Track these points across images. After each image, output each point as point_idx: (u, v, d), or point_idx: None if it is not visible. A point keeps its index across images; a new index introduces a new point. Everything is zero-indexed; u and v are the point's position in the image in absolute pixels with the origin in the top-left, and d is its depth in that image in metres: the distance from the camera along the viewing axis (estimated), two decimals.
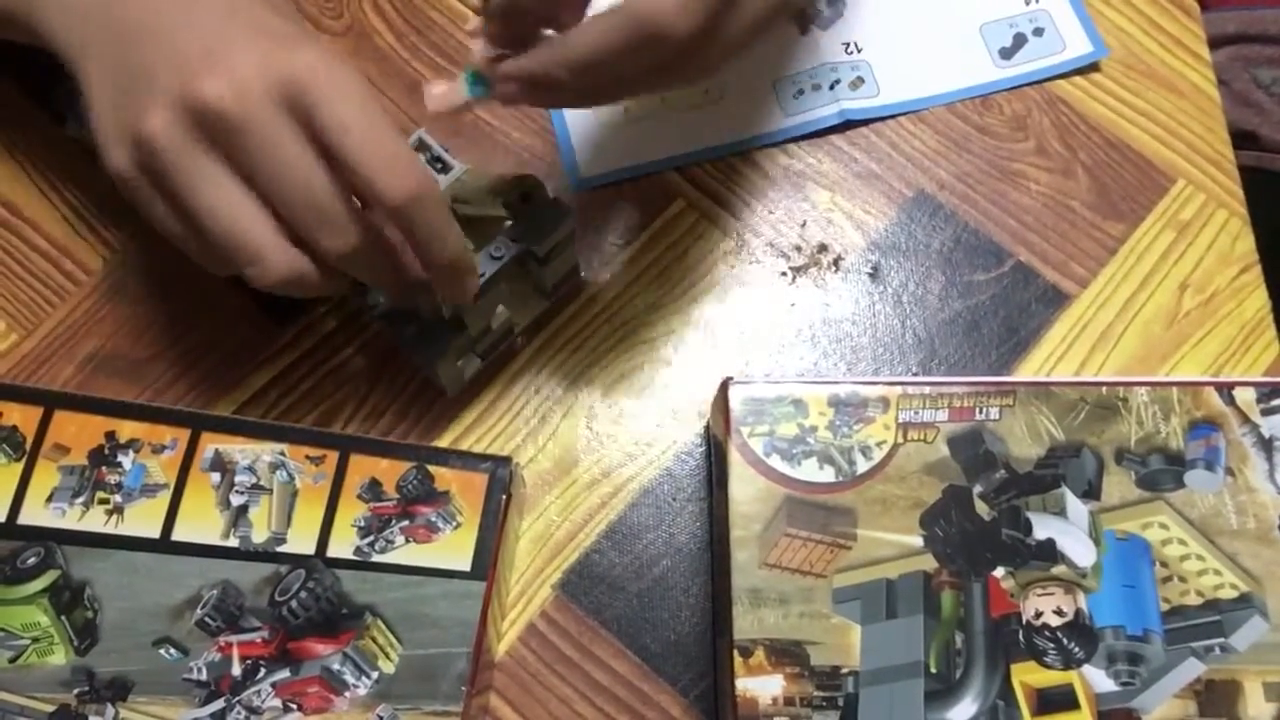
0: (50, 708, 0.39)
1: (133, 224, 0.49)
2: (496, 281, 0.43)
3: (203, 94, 0.34)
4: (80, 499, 0.41)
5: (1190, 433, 0.41)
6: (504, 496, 0.41)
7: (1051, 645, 0.39)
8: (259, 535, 0.41)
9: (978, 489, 0.41)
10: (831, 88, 0.53)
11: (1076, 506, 0.41)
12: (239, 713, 0.39)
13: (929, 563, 0.40)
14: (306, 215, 0.35)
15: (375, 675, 0.39)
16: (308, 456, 0.42)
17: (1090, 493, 0.41)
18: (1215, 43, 0.62)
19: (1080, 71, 0.54)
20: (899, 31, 0.54)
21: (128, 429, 0.42)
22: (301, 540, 0.41)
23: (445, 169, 0.44)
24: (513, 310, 0.47)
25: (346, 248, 0.36)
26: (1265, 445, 0.41)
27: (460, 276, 0.39)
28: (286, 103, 0.35)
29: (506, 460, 0.42)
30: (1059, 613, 0.39)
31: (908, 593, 0.40)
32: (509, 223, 0.43)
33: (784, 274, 0.51)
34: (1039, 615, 0.39)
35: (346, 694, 0.39)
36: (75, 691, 0.39)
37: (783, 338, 0.50)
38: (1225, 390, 0.42)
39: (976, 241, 0.51)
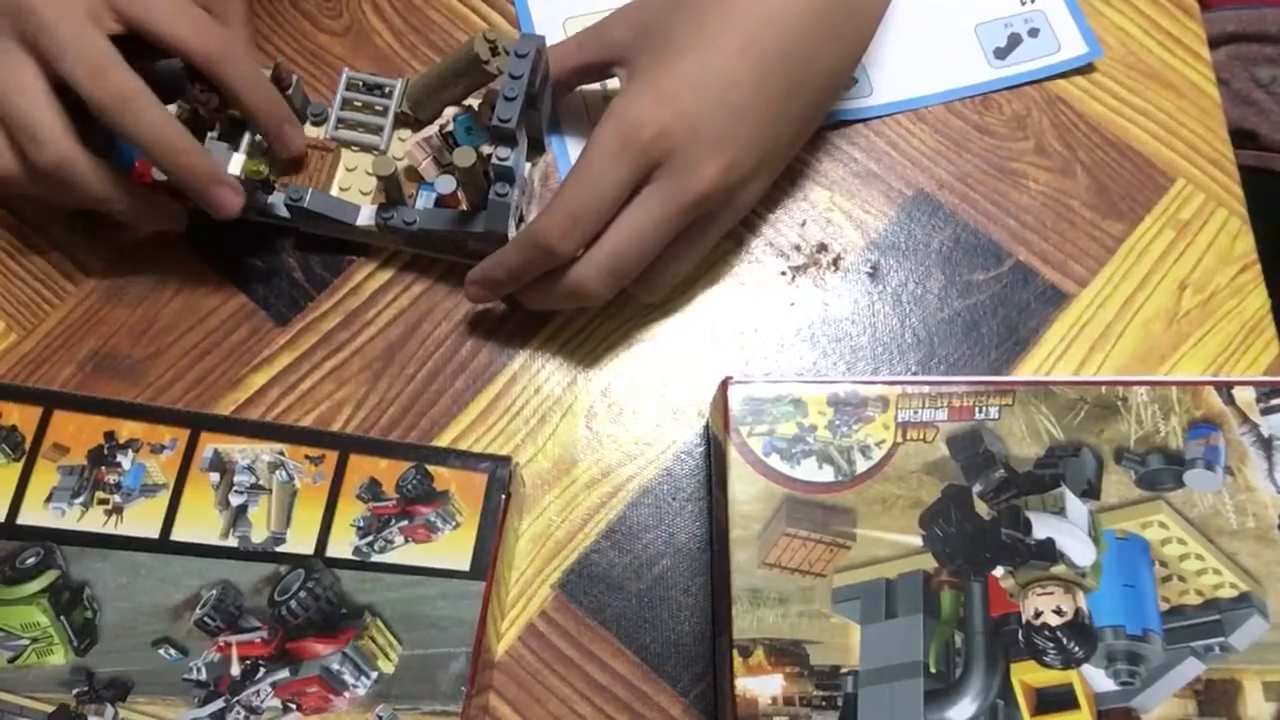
0: (49, 708, 0.39)
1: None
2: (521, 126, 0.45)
3: None
4: (79, 499, 0.41)
5: (1190, 432, 0.41)
6: (503, 496, 0.41)
7: (1051, 645, 0.39)
8: (258, 535, 0.41)
9: (977, 488, 0.41)
10: None
11: (1076, 506, 0.41)
12: (238, 713, 0.39)
13: (928, 562, 0.40)
14: (78, 68, 0.41)
15: (374, 675, 0.39)
16: (307, 456, 0.42)
17: (1090, 492, 0.41)
18: (1215, 42, 0.62)
19: (1077, 72, 0.54)
20: (893, 31, 0.54)
21: (127, 429, 0.42)
22: (301, 540, 0.41)
23: (385, 92, 0.50)
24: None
25: (107, 93, 0.41)
26: (1265, 444, 0.41)
27: (280, 124, 0.47)
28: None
29: (506, 460, 0.42)
30: (1058, 612, 0.39)
31: (907, 592, 0.40)
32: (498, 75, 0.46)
33: (783, 273, 0.51)
34: (1038, 615, 0.39)
35: (346, 694, 0.39)
36: (74, 692, 0.39)
37: (782, 337, 0.50)
38: (1225, 390, 0.42)
39: (976, 241, 0.51)
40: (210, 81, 0.45)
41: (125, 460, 0.41)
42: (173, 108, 0.46)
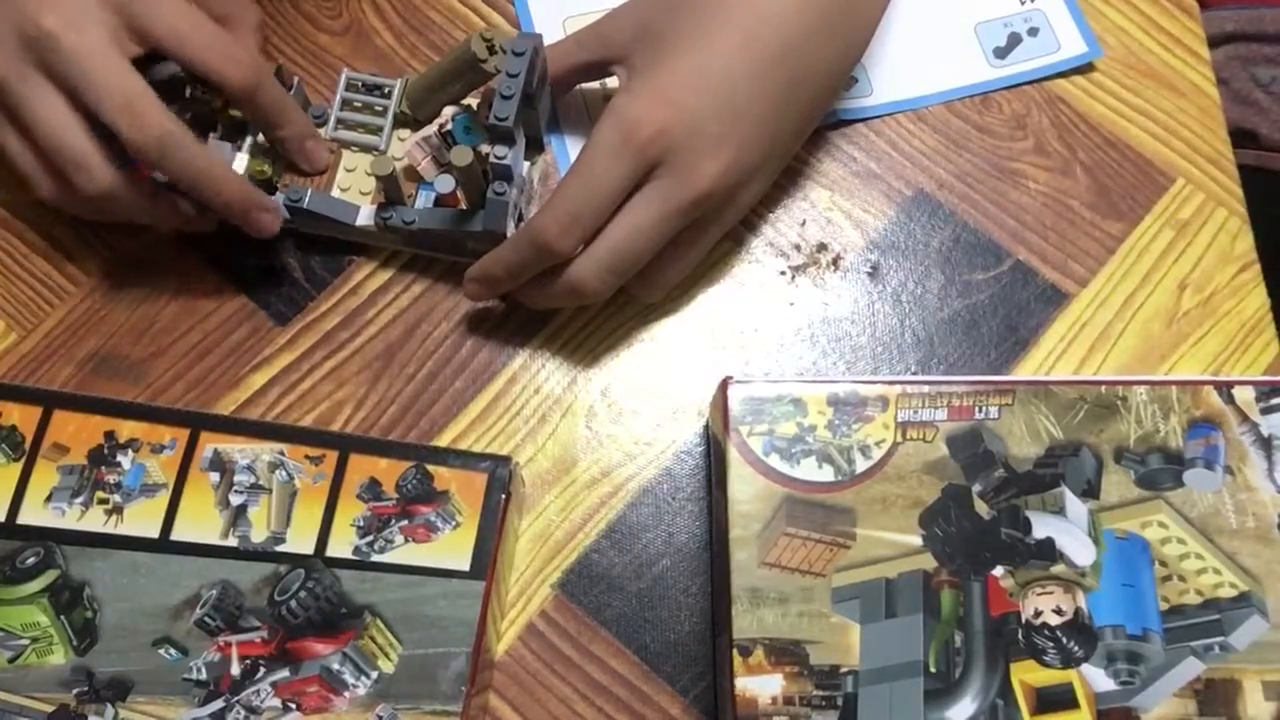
0: (49, 708, 0.39)
1: (133, 224, 0.49)
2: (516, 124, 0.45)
3: (40, 26, 0.41)
4: (79, 499, 0.41)
5: (1189, 432, 0.41)
6: (503, 496, 0.41)
7: (1051, 644, 0.39)
8: (258, 535, 0.41)
9: (977, 488, 0.41)
10: None
11: (1076, 505, 0.41)
12: (238, 712, 0.39)
13: (928, 562, 0.40)
14: (113, 108, 0.41)
15: (374, 675, 0.39)
16: (307, 456, 0.42)
17: (1089, 492, 0.41)
18: (1214, 41, 0.62)
19: (1077, 71, 0.54)
20: (893, 31, 0.54)
21: (127, 429, 0.42)
22: (301, 540, 0.41)
23: (384, 92, 0.50)
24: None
25: (149, 137, 0.41)
26: (1264, 444, 0.41)
27: (303, 142, 0.48)
28: (113, 19, 0.42)
29: (506, 460, 0.42)
30: (1058, 612, 0.39)
31: (907, 592, 0.40)
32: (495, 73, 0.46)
33: (783, 273, 0.51)
34: (1038, 614, 0.39)
35: (346, 694, 0.39)
36: (74, 691, 0.39)
37: (782, 337, 0.50)
38: (1224, 389, 0.42)
39: (975, 240, 0.51)
40: (241, 108, 0.46)
41: (125, 460, 0.41)
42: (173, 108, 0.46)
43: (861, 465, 0.41)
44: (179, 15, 0.43)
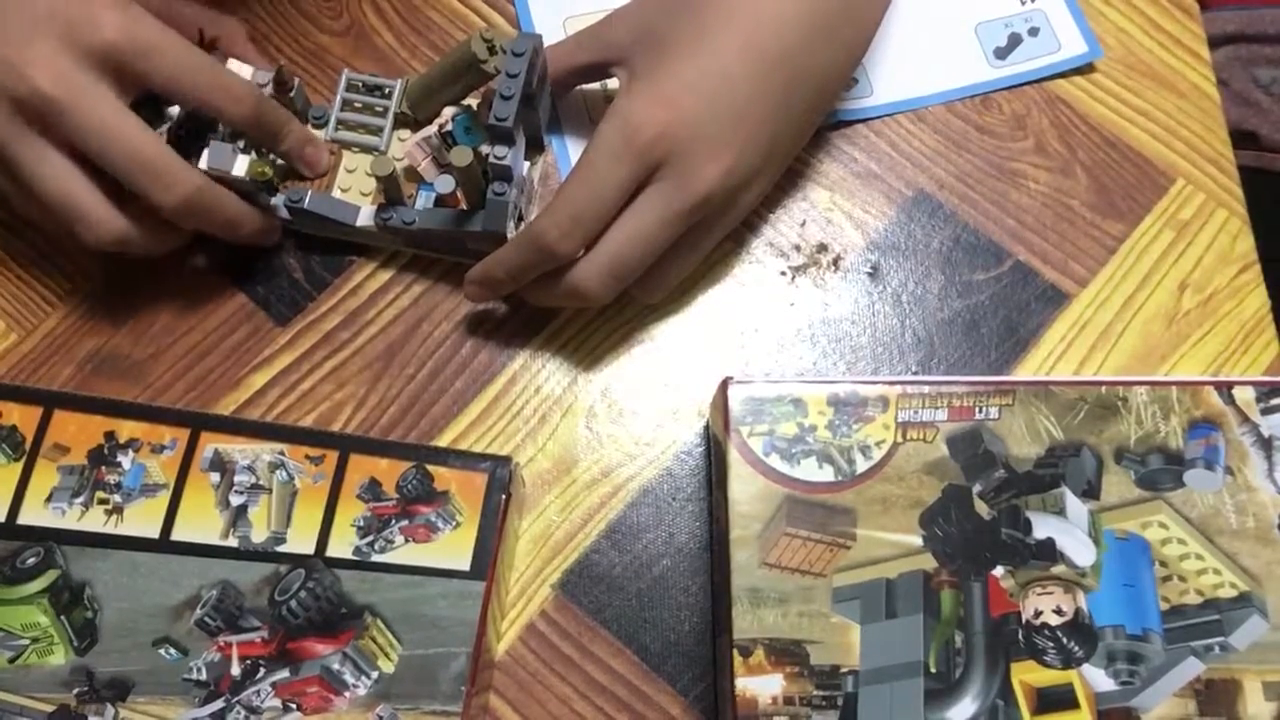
0: (50, 708, 0.39)
1: None
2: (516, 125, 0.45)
3: (32, 86, 0.40)
4: (80, 499, 0.41)
5: (1190, 432, 0.41)
6: (503, 496, 0.41)
7: (1051, 644, 0.39)
8: (258, 535, 0.41)
9: (977, 488, 0.41)
10: None
11: (1076, 506, 0.41)
12: (238, 713, 0.39)
13: (928, 562, 0.40)
14: (140, 176, 0.41)
15: (375, 675, 0.39)
16: (307, 456, 0.42)
17: (1090, 492, 0.41)
18: (1215, 42, 0.62)
19: (1077, 71, 0.54)
20: (893, 31, 0.54)
21: (127, 429, 0.42)
22: (301, 540, 0.41)
23: (385, 93, 0.50)
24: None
25: (179, 199, 0.42)
26: (1265, 444, 0.41)
27: (302, 148, 0.48)
28: (109, 74, 0.41)
29: (506, 460, 0.42)
30: (1058, 612, 0.39)
31: (907, 592, 0.40)
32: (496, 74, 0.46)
33: (783, 273, 0.51)
34: (1038, 614, 0.39)
35: (346, 694, 0.39)
36: (75, 691, 0.39)
37: (782, 337, 0.50)
38: (1225, 390, 0.42)
39: (976, 241, 0.51)
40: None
41: (125, 460, 0.41)
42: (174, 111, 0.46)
43: (862, 465, 0.41)
44: (172, 61, 0.42)
